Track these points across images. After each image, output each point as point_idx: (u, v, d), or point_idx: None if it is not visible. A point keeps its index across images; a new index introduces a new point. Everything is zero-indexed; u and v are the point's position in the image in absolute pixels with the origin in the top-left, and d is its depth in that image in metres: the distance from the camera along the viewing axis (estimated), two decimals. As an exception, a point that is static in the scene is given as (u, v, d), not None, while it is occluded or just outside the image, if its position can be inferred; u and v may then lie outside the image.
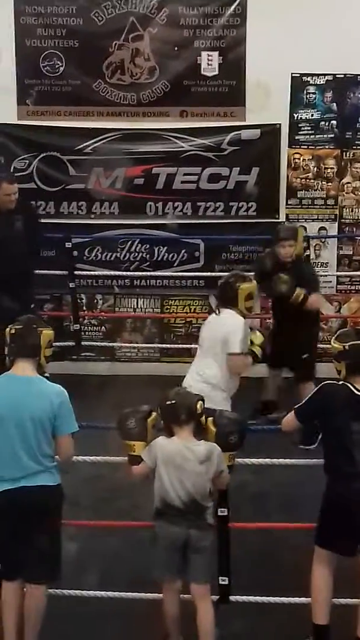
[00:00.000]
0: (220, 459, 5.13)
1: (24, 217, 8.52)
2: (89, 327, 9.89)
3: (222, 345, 6.49)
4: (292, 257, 7.74)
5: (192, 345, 8.22)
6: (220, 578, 5.36)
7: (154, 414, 5.26)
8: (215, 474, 5.11)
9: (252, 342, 6.61)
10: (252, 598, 5.46)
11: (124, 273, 9.66)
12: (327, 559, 5.15)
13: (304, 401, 5.33)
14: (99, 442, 5.87)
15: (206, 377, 6.47)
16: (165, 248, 9.69)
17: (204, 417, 5.23)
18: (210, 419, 5.27)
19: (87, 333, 9.82)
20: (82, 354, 9.73)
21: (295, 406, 5.34)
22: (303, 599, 5.26)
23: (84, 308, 9.78)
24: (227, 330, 6.50)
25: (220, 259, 9.66)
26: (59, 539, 5.13)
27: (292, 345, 7.73)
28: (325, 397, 5.22)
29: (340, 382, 5.22)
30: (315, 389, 5.29)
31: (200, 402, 5.18)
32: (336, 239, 9.67)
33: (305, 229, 8.78)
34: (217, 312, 6.70)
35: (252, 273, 7.58)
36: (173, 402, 5.16)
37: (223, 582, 5.37)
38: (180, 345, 9.66)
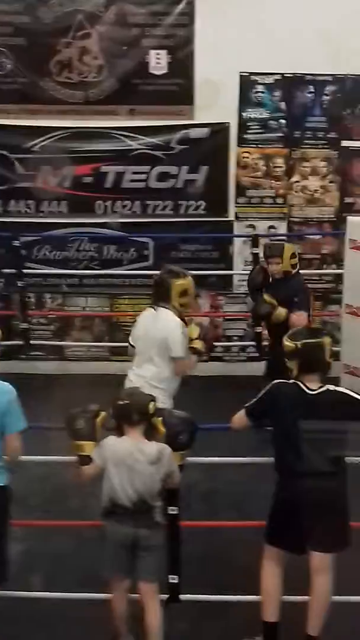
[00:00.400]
0: (171, 459, 5.13)
1: None
2: (38, 326, 9.84)
3: (159, 349, 6.41)
4: (279, 274, 7.66)
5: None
6: (170, 576, 5.35)
7: (102, 413, 5.24)
8: (165, 474, 5.10)
9: (191, 338, 6.55)
10: (201, 597, 5.46)
11: (73, 272, 9.62)
12: (277, 557, 5.16)
13: (254, 400, 5.32)
14: (47, 441, 5.84)
15: (146, 377, 6.44)
16: (115, 247, 9.67)
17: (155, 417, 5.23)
18: (159, 419, 5.26)
19: (36, 332, 9.77)
20: (31, 353, 9.67)
21: (246, 404, 5.35)
22: (253, 597, 5.27)
23: (33, 307, 9.73)
24: (164, 335, 6.42)
25: (169, 257, 9.65)
26: (5, 540, 5.07)
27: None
28: (275, 396, 5.22)
29: (291, 381, 5.23)
30: (266, 388, 5.29)
31: (152, 402, 5.17)
32: (285, 237, 9.70)
33: (286, 245, 8.25)
34: (154, 308, 6.61)
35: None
36: (126, 402, 5.15)
37: (173, 581, 5.36)
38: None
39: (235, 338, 9.92)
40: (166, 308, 6.51)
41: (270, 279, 7.75)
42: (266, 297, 7.55)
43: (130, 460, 5.03)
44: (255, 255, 9.30)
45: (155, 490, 5.06)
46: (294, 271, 7.63)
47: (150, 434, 5.17)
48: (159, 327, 6.48)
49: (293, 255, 7.64)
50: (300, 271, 7.92)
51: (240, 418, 5.37)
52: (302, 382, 5.18)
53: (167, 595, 5.33)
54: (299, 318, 7.27)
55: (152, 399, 5.21)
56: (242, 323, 9.84)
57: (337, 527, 5.09)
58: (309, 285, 8.27)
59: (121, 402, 5.16)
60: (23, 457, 5.39)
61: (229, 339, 9.94)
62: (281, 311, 7.42)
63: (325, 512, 5.02)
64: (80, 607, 5.45)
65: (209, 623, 5.43)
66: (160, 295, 6.59)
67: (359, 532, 5.16)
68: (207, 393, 8.38)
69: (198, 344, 6.54)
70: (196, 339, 6.55)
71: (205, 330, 6.85)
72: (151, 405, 5.15)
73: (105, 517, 5.08)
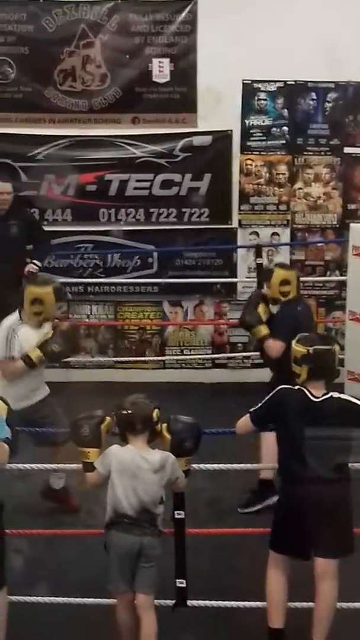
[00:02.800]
0: (175, 466, 5.13)
1: (20, 223, 8.57)
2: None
3: None
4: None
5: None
6: (177, 581, 5.35)
7: (107, 419, 5.25)
8: (169, 481, 5.11)
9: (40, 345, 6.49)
10: (208, 602, 5.46)
11: (77, 280, 9.64)
12: (282, 563, 5.18)
13: (259, 405, 5.33)
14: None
15: None
16: (119, 254, 9.70)
17: (159, 424, 5.24)
18: (164, 425, 5.26)
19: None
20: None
21: (251, 409, 5.36)
22: (259, 603, 5.28)
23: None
24: None
25: (173, 265, 9.68)
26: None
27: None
28: (280, 402, 5.23)
29: (297, 387, 5.24)
30: (271, 394, 5.30)
31: (156, 410, 5.17)
32: (289, 246, 9.74)
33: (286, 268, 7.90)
34: None
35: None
36: (129, 412, 5.15)
37: (180, 585, 5.37)
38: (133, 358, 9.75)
39: (239, 345, 9.92)
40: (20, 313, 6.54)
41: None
42: (261, 308, 7.28)
43: (134, 468, 5.04)
44: (259, 265, 9.34)
45: (157, 499, 5.06)
46: (283, 299, 7.07)
47: (152, 439, 5.18)
48: None
49: (284, 282, 7.07)
50: (303, 298, 7.58)
51: (244, 423, 5.37)
52: (307, 389, 5.19)
53: (173, 601, 5.35)
54: (273, 347, 6.90)
55: (156, 406, 5.21)
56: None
57: (341, 533, 5.10)
58: (315, 292, 8.15)
59: (125, 412, 5.15)
60: (28, 465, 5.44)
61: (233, 346, 9.95)
62: (261, 329, 7.08)
63: (329, 518, 5.03)
64: (84, 612, 5.46)
65: (214, 630, 5.43)
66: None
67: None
68: (212, 400, 8.40)
69: (33, 353, 6.46)
70: (40, 346, 6.50)
71: (60, 337, 6.63)
72: (155, 413, 5.15)
73: (109, 527, 5.07)
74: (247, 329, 7.39)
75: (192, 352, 9.80)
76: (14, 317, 6.55)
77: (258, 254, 9.42)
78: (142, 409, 5.15)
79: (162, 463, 5.07)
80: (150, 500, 5.01)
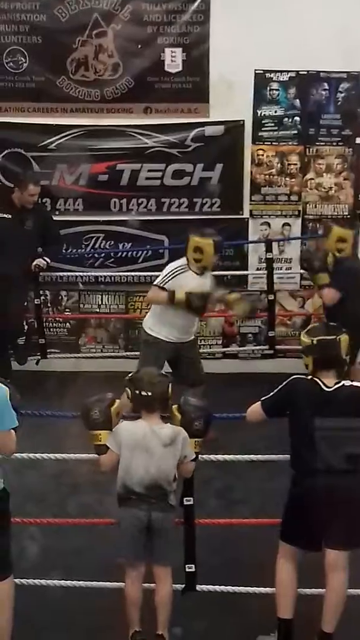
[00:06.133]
0: (186, 442, 5.16)
1: (36, 216, 8.88)
2: (54, 324, 9.87)
3: None
4: None
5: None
6: (186, 566, 5.37)
7: (117, 401, 5.28)
8: (180, 458, 5.12)
9: None
10: (217, 587, 5.49)
11: (88, 270, 9.65)
12: (292, 554, 5.19)
13: (271, 393, 5.33)
14: (62, 438, 5.88)
15: None
16: (130, 244, 9.70)
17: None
18: (175, 405, 5.31)
19: (51, 330, 9.81)
20: (47, 350, 9.67)
21: (263, 398, 5.36)
22: (268, 589, 5.30)
23: (49, 304, 9.76)
24: None
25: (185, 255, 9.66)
26: (6, 537, 4.99)
27: None
28: (292, 392, 5.24)
29: (309, 377, 5.25)
30: (284, 383, 5.30)
31: (170, 384, 5.23)
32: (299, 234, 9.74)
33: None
34: None
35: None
36: (149, 394, 5.19)
37: (190, 570, 5.38)
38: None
39: (249, 336, 9.93)
40: None
41: None
42: (328, 258, 7.93)
43: (145, 442, 5.07)
44: (269, 260, 9.36)
45: (170, 476, 5.09)
46: (338, 255, 7.92)
47: (165, 415, 5.21)
48: None
49: (340, 240, 7.94)
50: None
51: (255, 411, 5.37)
52: (320, 379, 5.20)
53: (183, 585, 5.37)
54: (327, 294, 7.83)
55: (170, 380, 5.29)
56: (256, 321, 9.85)
57: (353, 525, 5.10)
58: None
59: (144, 394, 5.19)
60: (38, 454, 5.45)
61: (243, 336, 9.95)
62: (324, 276, 7.94)
63: (341, 509, 5.03)
64: (94, 597, 5.50)
65: (224, 618, 5.46)
66: None
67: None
68: (222, 390, 8.39)
69: (179, 294, 7.39)
70: (187, 293, 7.39)
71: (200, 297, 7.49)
72: (169, 390, 5.21)
73: (120, 503, 5.12)
74: (312, 273, 8.14)
75: (203, 343, 9.79)
76: (182, 260, 7.58)
77: (268, 250, 9.43)
78: (160, 388, 5.20)
79: (172, 437, 5.10)
80: (162, 476, 5.05)
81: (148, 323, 7.76)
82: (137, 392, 5.21)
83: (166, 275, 7.53)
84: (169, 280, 7.49)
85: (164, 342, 7.62)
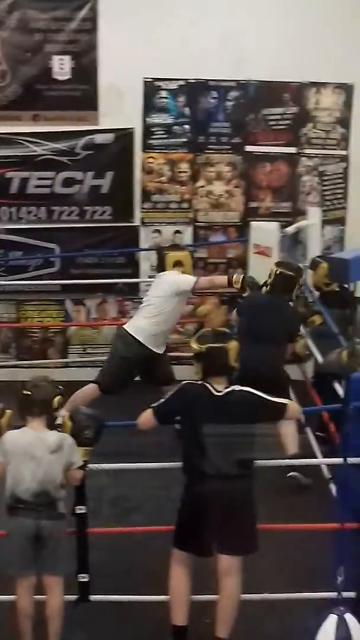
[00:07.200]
0: (72, 449, 5.15)
1: None
2: None
3: None
4: None
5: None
6: (79, 575, 5.34)
7: (7, 412, 5.25)
8: (66, 465, 5.10)
9: None
10: (111, 597, 5.46)
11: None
12: (185, 560, 5.20)
13: (162, 400, 5.35)
14: None
15: None
16: (21, 253, 9.61)
17: (62, 411, 5.26)
18: (67, 414, 5.32)
19: None
20: None
21: (153, 405, 5.36)
22: (162, 597, 5.30)
23: None
24: None
25: (76, 263, 9.63)
26: None
27: None
28: (183, 397, 5.27)
29: (200, 382, 5.27)
30: (175, 389, 5.33)
31: (58, 397, 5.20)
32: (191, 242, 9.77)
33: None
34: None
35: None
36: (29, 393, 5.16)
37: (83, 579, 5.35)
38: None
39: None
40: None
41: None
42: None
43: (31, 449, 5.04)
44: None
45: (57, 481, 5.07)
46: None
47: (54, 426, 5.18)
48: None
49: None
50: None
51: (147, 418, 5.38)
52: (210, 384, 5.22)
53: (76, 596, 5.32)
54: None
55: (59, 393, 5.23)
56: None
57: (245, 530, 5.14)
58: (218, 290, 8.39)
59: (24, 393, 5.19)
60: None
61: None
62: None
63: (232, 515, 5.06)
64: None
65: (118, 628, 5.43)
66: None
67: (266, 535, 5.24)
68: (116, 399, 8.36)
69: None
70: None
71: None
72: (56, 400, 5.18)
73: (8, 513, 5.07)
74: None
75: (95, 351, 9.75)
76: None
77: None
78: (42, 392, 5.19)
79: (59, 443, 5.09)
80: (49, 482, 5.02)
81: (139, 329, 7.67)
82: (21, 391, 5.20)
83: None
84: None
85: (143, 345, 7.62)
